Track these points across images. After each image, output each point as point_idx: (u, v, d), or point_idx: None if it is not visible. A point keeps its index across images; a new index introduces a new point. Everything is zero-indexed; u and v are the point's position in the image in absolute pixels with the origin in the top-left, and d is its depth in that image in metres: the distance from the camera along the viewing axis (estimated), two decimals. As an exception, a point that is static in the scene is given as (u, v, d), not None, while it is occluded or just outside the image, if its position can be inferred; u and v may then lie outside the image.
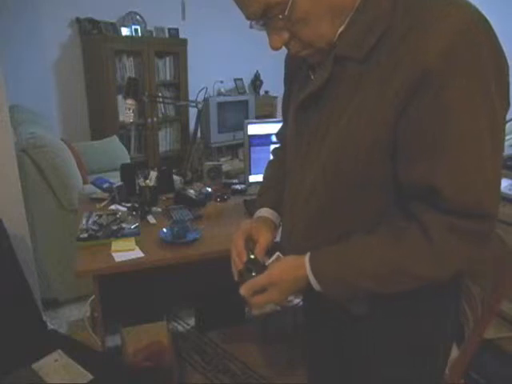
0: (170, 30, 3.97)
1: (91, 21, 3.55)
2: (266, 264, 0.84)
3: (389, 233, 0.72)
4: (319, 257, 0.76)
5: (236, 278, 0.87)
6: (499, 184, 0.67)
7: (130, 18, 3.78)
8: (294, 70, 0.91)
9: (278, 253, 0.85)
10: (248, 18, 0.72)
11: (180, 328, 2.24)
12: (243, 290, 0.80)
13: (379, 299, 0.75)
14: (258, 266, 0.84)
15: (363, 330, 0.84)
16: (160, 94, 3.87)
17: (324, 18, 0.69)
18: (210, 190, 2.00)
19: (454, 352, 1.31)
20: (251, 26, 0.74)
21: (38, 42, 3.46)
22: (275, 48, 0.73)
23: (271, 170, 1.09)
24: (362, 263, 0.72)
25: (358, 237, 0.75)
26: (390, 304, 0.78)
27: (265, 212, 0.99)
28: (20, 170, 1.95)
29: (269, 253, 0.88)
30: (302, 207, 0.83)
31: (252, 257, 0.87)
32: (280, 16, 0.67)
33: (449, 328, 0.86)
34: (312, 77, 0.80)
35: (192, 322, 2.27)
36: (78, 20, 3.58)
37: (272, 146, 2.07)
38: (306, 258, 0.77)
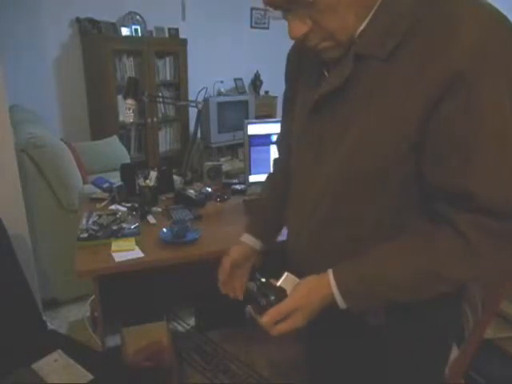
0: (169, 29, 3.97)
1: (91, 21, 3.55)
2: (278, 285, 0.77)
3: (418, 238, 0.69)
4: (344, 273, 0.73)
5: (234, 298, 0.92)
6: None
7: (130, 18, 3.78)
8: (300, 68, 0.88)
9: (286, 273, 0.79)
10: (272, 3, 0.69)
11: (180, 328, 2.23)
12: (267, 320, 0.73)
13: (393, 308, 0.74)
14: (274, 290, 0.76)
15: (371, 338, 0.82)
16: (160, 94, 3.87)
17: (351, 10, 0.67)
18: (209, 189, 2.00)
19: (454, 352, 1.32)
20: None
21: (38, 42, 3.46)
22: (295, 37, 0.70)
23: (268, 190, 1.09)
24: (393, 275, 0.69)
25: (383, 247, 0.71)
26: (401, 311, 0.76)
27: (249, 240, 1.02)
28: (20, 170, 1.95)
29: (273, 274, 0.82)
30: (312, 208, 0.80)
31: (263, 280, 0.79)
32: (310, 0, 0.65)
33: (450, 331, 0.87)
34: (327, 75, 0.77)
35: (192, 322, 2.27)
36: (77, 20, 3.57)
37: (272, 146, 2.07)
38: (330, 276, 0.73)
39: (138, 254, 1.47)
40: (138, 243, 1.53)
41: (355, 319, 0.76)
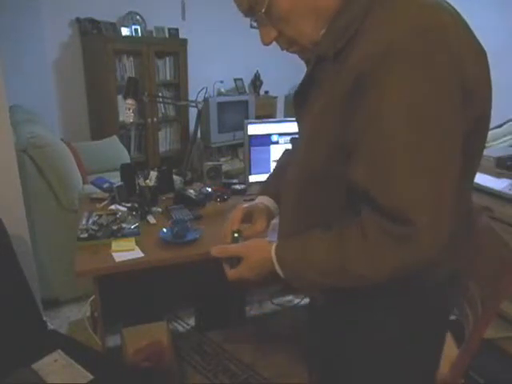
0: (170, 29, 3.97)
1: (91, 21, 3.55)
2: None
3: (336, 229, 0.74)
4: (283, 244, 0.82)
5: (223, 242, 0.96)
6: (432, 189, 0.64)
7: (130, 18, 3.78)
8: None
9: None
10: (242, 12, 0.79)
11: (180, 328, 2.23)
12: (213, 249, 0.88)
13: (364, 298, 0.79)
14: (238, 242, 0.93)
15: (363, 330, 0.84)
16: (160, 94, 3.87)
17: (306, 18, 0.72)
18: (209, 190, 2.00)
19: (454, 352, 1.31)
20: (252, 26, 0.81)
21: (38, 42, 3.46)
22: (265, 43, 0.79)
23: (283, 158, 1.14)
24: (313, 257, 0.75)
25: (317, 231, 0.77)
26: (339, 295, 0.81)
27: (266, 201, 1.05)
28: (20, 170, 1.95)
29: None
30: (285, 200, 0.91)
31: (236, 235, 0.95)
32: (262, 11, 0.73)
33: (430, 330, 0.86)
34: None
35: (192, 322, 2.27)
36: (77, 20, 3.58)
37: (272, 146, 2.07)
38: (274, 244, 0.83)
39: (137, 254, 1.47)
40: (137, 243, 1.53)
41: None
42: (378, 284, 0.71)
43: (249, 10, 0.76)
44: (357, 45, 0.65)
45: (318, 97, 0.75)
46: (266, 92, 4.73)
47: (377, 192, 0.65)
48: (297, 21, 0.73)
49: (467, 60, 0.64)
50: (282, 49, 0.81)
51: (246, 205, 1.02)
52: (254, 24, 0.81)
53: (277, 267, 0.81)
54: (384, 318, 0.81)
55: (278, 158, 1.16)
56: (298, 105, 0.85)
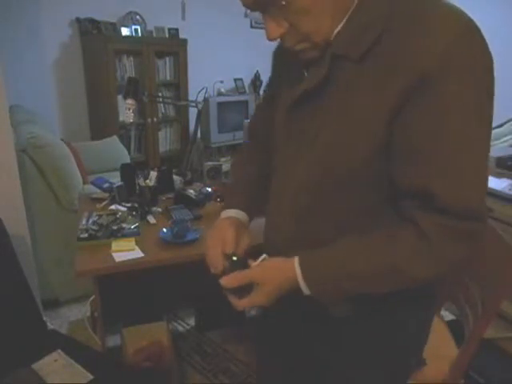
0: (170, 29, 3.96)
1: (91, 21, 3.55)
2: (252, 265, 0.80)
3: (383, 234, 0.71)
4: (309, 260, 0.75)
5: (213, 271, 0.84)
6: (487, 187, 0.69)
7: (129, 18, 3.77)
8: (284, 65, 0.89)
9: (264, 255, 0.81)
10: (249, 5, 0.71)
11: (180, 328, 2.23)
12: (224, 282, 0.78)
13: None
14: (243, 267, 0.79)
15: (333, 332, 0.85)
16: (160, 94, 3.87)
17: (326, 12, 0.68)
18: (209, 190, 2.00)
19: (454, 352, 1.31)
20: (246, 15, 0.74)
21: (38, 42, 3.46)
22: (272, 38, 0.72)
23: (241, 171, 1.04)
24: (356, 266, 0.71)
25: (349, 238, 0.74)
26: (367, 306, 0.78)
27: (237, 214, 0.95)
28: (20, 170, 1.95)
29: (252, 255, 0.83)
30: (290, 204, 0.82)
31: (235, 258, 0.81)
32: (283, 2, 0.66)
33: (417, 339, 0.89)
34: (306, 74, 0.79)
35: (192, 322, 2.27)
36: (77, 20, 3.57)
37: (272, 146, 2.07)
38: (296, 260, 0.75)
39: (137, 254, 1.47)
40: (137, 243, 1.53)
41: (320, 309, 0.79)
42: (406, 289, 0.73)
43: (264, 1, 0.68)
44: (393, 44, 0.64)
45: (335, 97, 0.72)
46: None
47: (443, 191, 0.64)
48: (318, 14, 0.68)
49: None
50: (286, 46, 0.74)
51: (228, 221, 0.91)
52: (254, 24, 0.77)
53: (302, 285, 0.74)
54: (407, 320, 0.83)
55: (233, 170, 1.08)
56: (297, 106, 0.79)
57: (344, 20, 0.70)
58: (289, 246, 0.81)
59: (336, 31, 0.71)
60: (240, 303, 0.79)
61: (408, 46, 0.63)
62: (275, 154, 0.90)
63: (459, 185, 0.65)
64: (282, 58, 0.92)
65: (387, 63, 0.65)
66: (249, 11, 0.72)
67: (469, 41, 0.62)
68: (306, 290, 0.74)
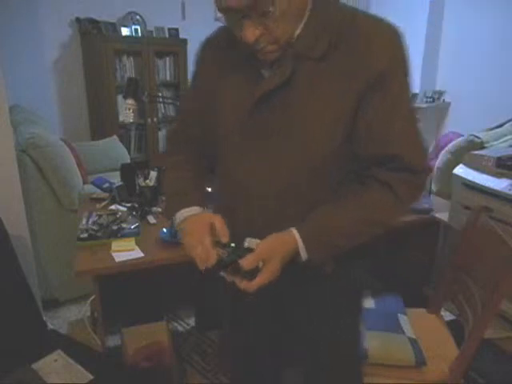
0: (169, 29, 3.97)
1: (91, 21, 3.55)
2: (245, 247, 0.83)
3: (358, 196, 0.87)
4: (306, 229, 0.86)
5: (203, 266, 0.84)
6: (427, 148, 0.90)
7: (129, 18, 3.78)
8: (222, 69, 0.92)
9: (248, 238, 0.84)
10: (233, 8, 0.76)
11: (180, 328, 2.23)
12: (247, 263, 0.80)
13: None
14: (246, 251, 0.82)
15: (325, 285, 0.96)
16: (160, 94, 3.87)
17: (294, 18, 0.80)
18: (209, 189, 2.00)
19: (454, 352, 1.32)
20: (217, 19, 0.81)
21: (38, 42, 3.46)
22: (251, 40, 0.79)
23: (183, 171, 1.05)
24: (344, 225, 0.86)
25: (330, 205, 0.87)
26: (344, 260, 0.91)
27: (200, 210, 0.97)
28: (20, 170, 1.95)
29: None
30: (273, 189, 0.89)
31: (233, 245, 0.84)
32: (270, 9, 0.75)
33: (362, 283, 1.05)
34: (264, 74, 0.86)
35: (192, 322, 2.27)
36: (77, 20, 3.58)
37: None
38: (295, 232, 0.85)
39: (138, 254, 1.47)
40: (137, 243, 1.53)
41: (309, 270, 0.89)
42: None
43: (252, 6, 0.74)
44: (351, 47, 0.80)
45: (301, 91, 0.83)
46: (266, 92, 4.73)
47: (407, 155, 0.84)
48: (288, 20, 0.79)
49: None
50: (257, 47, 0.81)
51: (204, 214, 0.93)
52: (228, 19, 0.79)
53: (302, 251, 0.85)
54: (360, 272, 1.02)
55: (169, 176, 1.07)
56: (260, 104, 0.85)
57: (301, 25, 0.82)
58: (272, 224, 0.87)
59: (296, 34, 0.81)
60: (253, 284, 0.82)
61: (362, 53, 0.80)
62: (230, 150, 0.94)
63: (412, 148, 0.85)
64: (215, 63, 0.95)
65: (347, 64, 0.80)
66: (219, 15, 0.80)
67: (402, 45, 0.83)
68: (304, 256, 0.85)
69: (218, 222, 0.87)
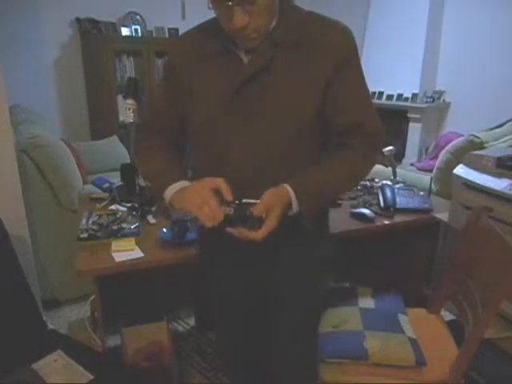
0: (169, 29, 3.97)
1: (91, 21, 3.56)
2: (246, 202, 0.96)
3: (333, 157, 1.06)
4: (297, 184, 1.00)
5: (212, 224, 0.93)
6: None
7: (129, 18, 3.78)
8: (194, 66, 1.06)
9: (244, 199, 0.97)
10: None
11: (180, 328, 2.23)
12: (258, 212, 0.94)
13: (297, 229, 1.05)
14: (249, 205, 0.95)
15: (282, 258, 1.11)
16: (160, 94, 3.87)
17: (272, 11, 0.97)
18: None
19: (454, 352, 1.31)
20: (210, 7, 0.98)
21: (38, 42, 3.46)
22: (240, 26, 0.92)
23: (161, 157, 1.18)
24: (326, 178, 1.03)
25: (314, 166, 1.04)
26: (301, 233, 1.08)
27: (188, 183, 1.07)
28: (20, 170, 1.95)
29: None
30: (266, 152, 1.02)
31: (237, 202, 0.96)
32: None
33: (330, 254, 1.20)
34: (244, 60, 1.01)
35: (192, 322, 2.27)
36: (77, 20, 3.58)
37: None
38: (287, 186, 0.99)
39: (137, 254, 1.47)
40: (137, 243, 1.53)
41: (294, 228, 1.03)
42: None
43: None
44: (319, 38, 0.99)
45: (279, 74, 0.99)
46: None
47: (368, 123, 1.06)
48: (270, 11, 0.96)
49: None
50: (244, 33, 0.94)
51: (202, 180, 1.01)
52: (222, 4, 0.91)
53: (294, 203, 0.99)
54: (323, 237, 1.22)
55: (150, 162, 1.21)
56: (241, 88, 0.99)
57: (275, 19, 0.99)
58: (265, 182, 0.99)
59: (272, 26, 0.98)
60: (260, 233, 0.94)
61: (328, 41, 0.99)
62: (211, 130, 1.05)
63: (373, 117, 1.07)
64: (188, 57, 1.07)
65: (316, 51, 0.99)
66: (211, 5, 0.96)
67: (352, 37, 1.03)
68: (296, 208, 1.00)
69: (222, 183, 0.97)
